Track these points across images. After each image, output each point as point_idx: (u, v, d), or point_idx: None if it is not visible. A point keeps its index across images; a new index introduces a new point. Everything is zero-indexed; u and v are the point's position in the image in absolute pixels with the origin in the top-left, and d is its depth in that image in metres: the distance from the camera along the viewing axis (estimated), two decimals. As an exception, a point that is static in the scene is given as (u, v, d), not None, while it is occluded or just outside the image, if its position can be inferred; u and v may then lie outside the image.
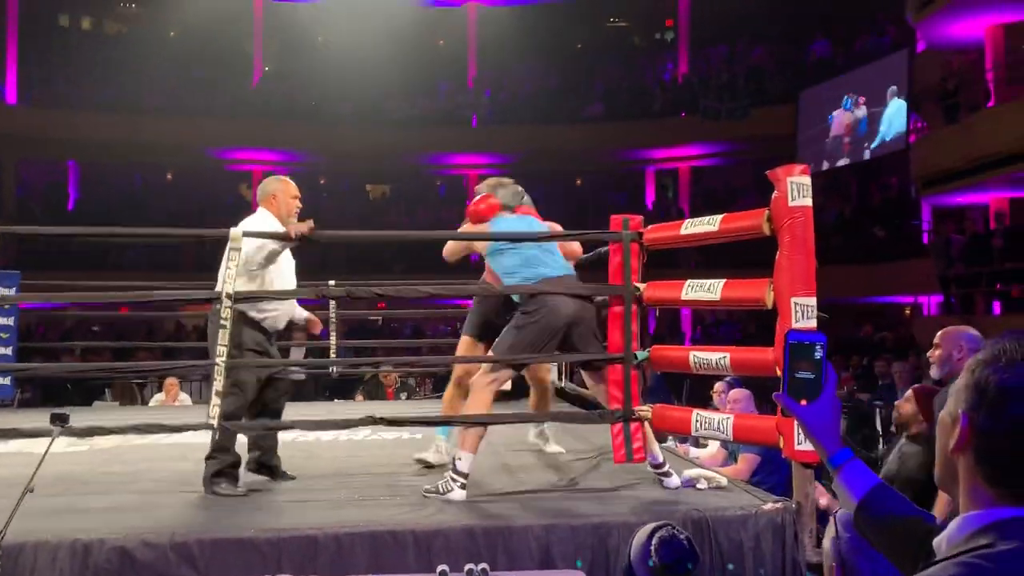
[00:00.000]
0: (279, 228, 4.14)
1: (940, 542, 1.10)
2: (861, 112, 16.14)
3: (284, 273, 4.28)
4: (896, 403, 4.09)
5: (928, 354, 3.75)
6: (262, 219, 4.28)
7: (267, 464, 4.30)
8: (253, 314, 4.15)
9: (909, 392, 4.05)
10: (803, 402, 1.35)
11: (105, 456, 5.11)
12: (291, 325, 4.58)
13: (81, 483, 4.29)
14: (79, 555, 3.12)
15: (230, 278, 3.79)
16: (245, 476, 4.13)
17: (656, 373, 6.07)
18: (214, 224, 7.27)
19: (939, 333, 3.70)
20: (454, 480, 3.74)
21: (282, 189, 4.39)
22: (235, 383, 3.97)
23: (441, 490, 3.75)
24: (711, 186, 20.66)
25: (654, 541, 1.96)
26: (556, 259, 4.18)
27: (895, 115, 15.45)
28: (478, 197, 4.38)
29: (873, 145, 15.94)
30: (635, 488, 3.99)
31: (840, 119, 16.56)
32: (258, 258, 4.03)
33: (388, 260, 17.68)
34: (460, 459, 3.79)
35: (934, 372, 3.70)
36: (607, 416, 4.12)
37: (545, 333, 3.93)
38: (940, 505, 3.19)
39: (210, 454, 3.96)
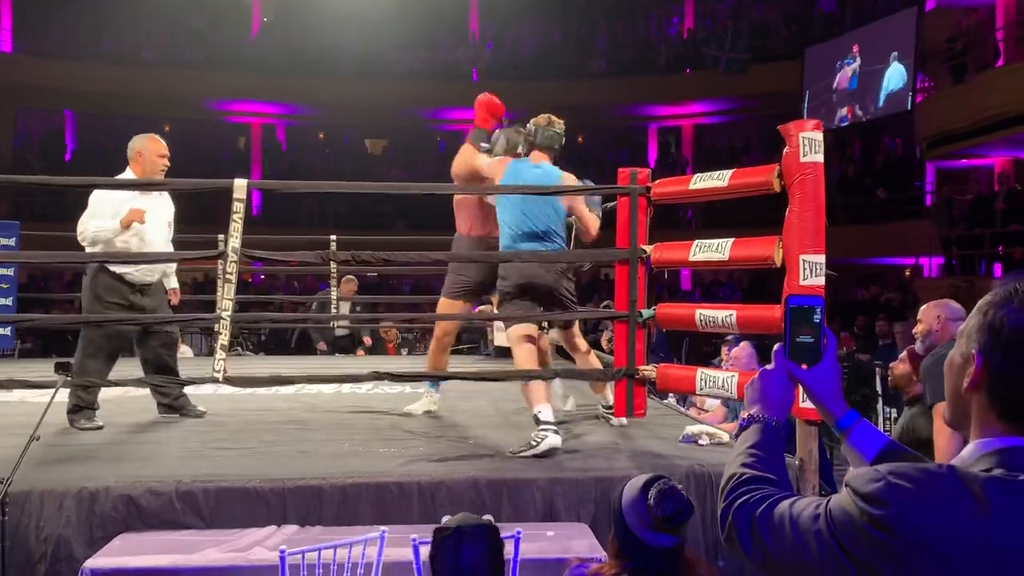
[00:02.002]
0: (134, 191, 4.29)
1: (956, 461, 1.11)
2: (855, 66, 16.09)
3: (148, 232, 4.33)
4: (891, 365, 4.09)
5: (914, 330, 3.77)
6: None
7: (174, 405, 4.61)
8: (114, 268, 4.27)
9: (903, 353, 4.06)
10: (804, 366, 1.35)
11: (108, 406, 5.10)
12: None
13: (83, 432, 4.30)
14: (85, 503, 3.14)
15: (235, 231, 3.76)
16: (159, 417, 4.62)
17: (659, 331, 6.07)
18: (213, 177, 7.19)
19: (921, 308, 3.72)
20: (544, 431, 3.75)
21: (148, 147, 4.40)
22: (93, 339, 4.31)
23: (533, 442, 3.74)
24: (714, 144, 20.49)
25: (652, 493, 1.96)
26: (546, 221, 4.22)
27: (893, 75, 15.42)
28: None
29: (873, 105, 15.88)
30: (637, 442, 4.02)
31: (841, 74, 16.49)
32: (88, 232, 4.23)
33: (389, 216, 17.60)
34: (540, 411, 3.83)
35: (918, 347, 3.71)
36: (611, 374, 4.13)
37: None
38: (939, 445, 3.21)
39: (72, 392, 4.24)
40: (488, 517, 3.11)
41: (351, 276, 8.65)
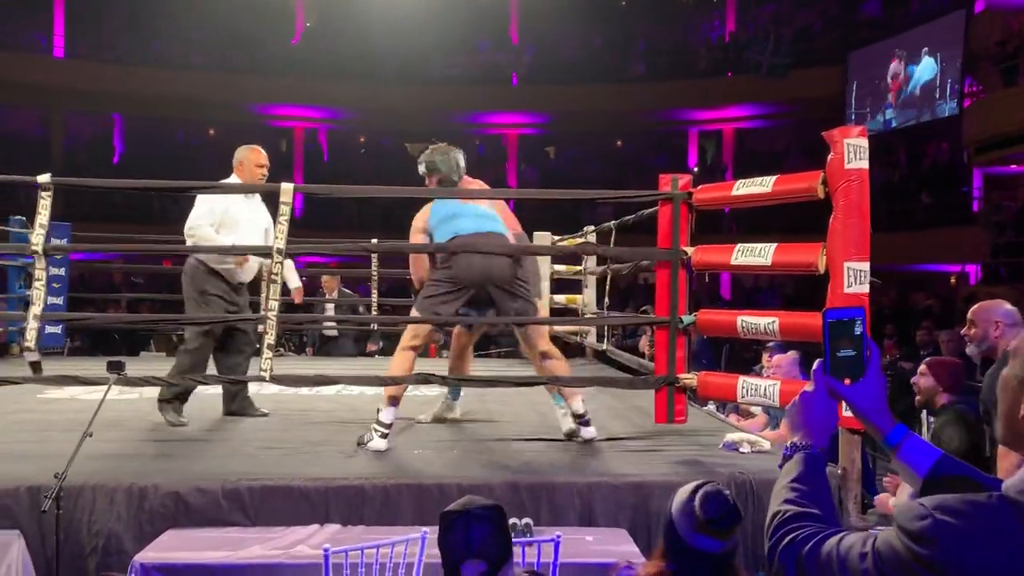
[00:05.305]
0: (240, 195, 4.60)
1: (1008, 488, 1.09)
2: (903, 63, 16.11)
3: (244, 236, 4.55)
4: (912, 380, 3.99)
5: (963, 332, 3.65)
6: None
7: (235, 408, 4.70)
8: (213, 265, 4.52)
9: (923, 366, 3.97)
10: (847, 381, 1.30)
11: (155, 404, 5.22)
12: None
13: (134, 429, 4.41)
14: (135, 498, 3.22)
15: (281, 233, 3.83)
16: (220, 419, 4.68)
17: (702, 337, 6.03)
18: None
19: (972, 310, 3.57)
20: (375, 431, 3.90)
21: (248, 157, 4.72)
22: (203, 331, 4.48)
23: (364, 440, 3.91)
24: (755, 149, 20.31)
25: (699, 495, 1.97)
26: (477, 217, 4.11)
27: (925, 69, 15.46)
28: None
29: (905, 92, 15.79)
30: (677, 449, 4.00)
31: (893, 67, 16.41)
32: (198, 235, 4.48)
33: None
34: (382, 411, 3.93)
35: (971, 351, 3.59)
36: (651, 382, 4.11)
37: (450, 288, 3.97)
38: (1003, 467, 3.14)
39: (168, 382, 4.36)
40: (528, 520, 3.15)
41: (328, 275, 8.60)
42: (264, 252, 4.13)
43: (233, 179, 4.69)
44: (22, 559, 3.07)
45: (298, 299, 5.15)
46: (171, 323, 4.69)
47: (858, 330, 1.31)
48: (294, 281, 5.04)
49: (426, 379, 3.94)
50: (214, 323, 4.43)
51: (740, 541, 3.30)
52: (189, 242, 4.62)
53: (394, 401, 3.97)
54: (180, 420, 4.47)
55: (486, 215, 4.16)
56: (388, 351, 8.96)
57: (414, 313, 4.10)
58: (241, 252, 4.45)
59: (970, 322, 3.54)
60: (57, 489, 2.88)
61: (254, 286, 4.94)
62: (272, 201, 4.10)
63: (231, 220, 4.56)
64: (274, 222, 4.05)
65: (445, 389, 4.76)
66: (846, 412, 3.22)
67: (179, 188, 4.60)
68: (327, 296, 8.37)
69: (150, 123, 20.29)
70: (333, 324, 8.31)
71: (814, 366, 1.34)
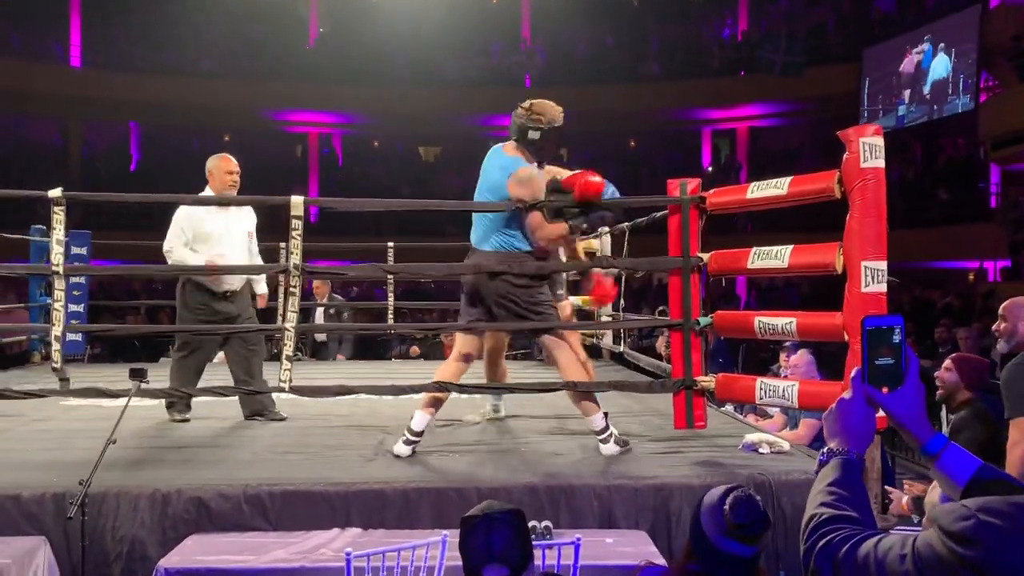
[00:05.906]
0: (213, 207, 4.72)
1: None
2: (918, 57, 16.03)
3: (218, 248, 4.67)
4: (936, 374, 3.97)
5: (993, 328, 3.63)
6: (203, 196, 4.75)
7: (257, 409, 4.82)
8: (195, 278, 4.67)
9: (948, 361, 3.94)
10: (884, 390, 1.29)
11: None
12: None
13: (156, 436, 4.46)
14: (158, 504, 3.26)
15: (295, 248, 3.85)
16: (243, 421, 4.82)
17: (718, 338, 6.01)
18: (271, 186, 7.38)
19: (1003, 305, 3.57)
20: (403, 435, 3.89)
21: (217, 166, 4.81)
22: (186, 340, 4.77)
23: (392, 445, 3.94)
24: (769, 147, 20.22)
25: (729, 499, 1.97)
26: (478, 226, 4.06)
27: (937, 65, 15.38)
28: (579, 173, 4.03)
29: (921, 91, 15.74)
30: (696, 451, 4.00)
31: (908, 60, 16.32)
32: (174, 257, 4.65)
33: (440, 224, 17.76)
34: (415, 417, 3.91)
35: (1000, 346, 3.59)
36: (669, 385, 4.10)
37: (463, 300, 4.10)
38: (1011, 459, 3.13)
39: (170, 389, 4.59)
40: (547, 523, 3.16)
41: (319, 280, 8.56)
42: (281, 270, 4.18)
43: (207, 190, 4.81)
44: (48, 565, 3.11)
45: (261, 304, 5.23)
46: (189, 334, 4.80)
47: (897, 338, 1.31)
48: (260, 288, 5.13)
49: (443, 387, 3.95)
50: (219, 333, 4.65)
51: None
52: (169, 261, 4.75)
53: (436, 404, 3.95)
54: (183, 416, 4.78)
55: (477, 221, 4.08)
56: (403, 355, 9.03)
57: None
58: (252, 271, 4.54)
59: (1000, 317, 3.53)
60: (82, 496, 2.92)
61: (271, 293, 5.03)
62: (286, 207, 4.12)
63: (204, 234, 4.69)
64: (287, 237, 4.08)
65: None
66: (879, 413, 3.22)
67: (187, 200, 4.68)
68: (318, 301, 8.40)
69: (166, 131, 20.46)
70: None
71: (852, 374, 1.33)
